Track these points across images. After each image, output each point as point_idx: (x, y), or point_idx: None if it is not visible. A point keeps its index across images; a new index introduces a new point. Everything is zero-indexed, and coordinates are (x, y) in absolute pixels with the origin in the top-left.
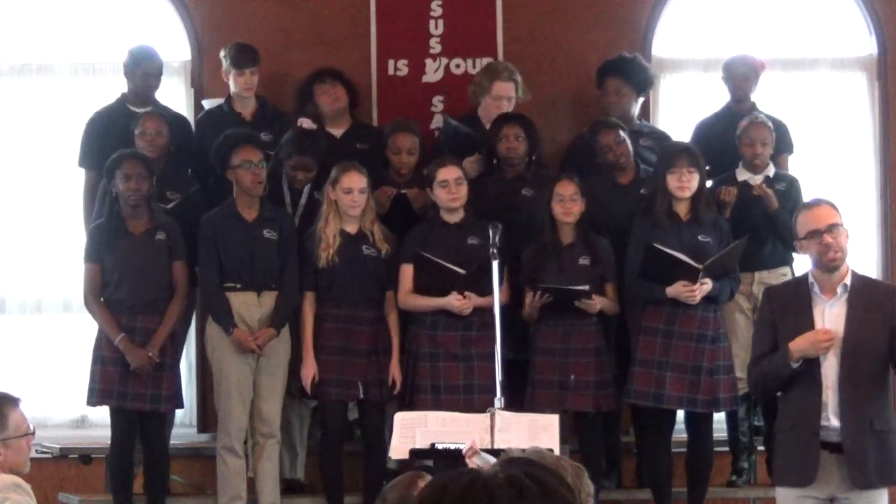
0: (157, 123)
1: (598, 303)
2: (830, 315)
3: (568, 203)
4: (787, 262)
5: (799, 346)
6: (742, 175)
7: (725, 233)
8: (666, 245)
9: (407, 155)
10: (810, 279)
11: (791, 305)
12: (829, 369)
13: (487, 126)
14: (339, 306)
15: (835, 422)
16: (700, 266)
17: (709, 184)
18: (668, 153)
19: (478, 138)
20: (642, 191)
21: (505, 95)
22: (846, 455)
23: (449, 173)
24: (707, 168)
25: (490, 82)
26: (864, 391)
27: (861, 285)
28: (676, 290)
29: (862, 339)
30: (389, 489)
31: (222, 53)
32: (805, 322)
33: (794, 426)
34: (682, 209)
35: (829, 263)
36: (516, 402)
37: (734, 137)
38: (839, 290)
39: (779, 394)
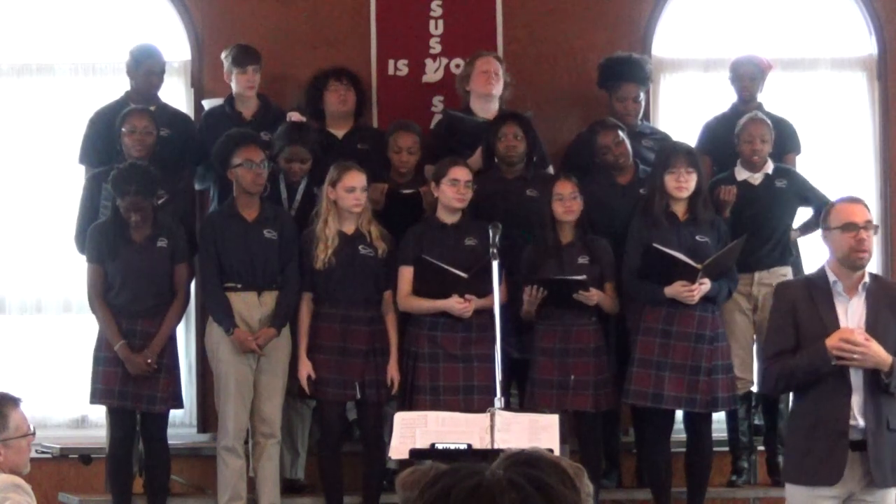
0: (147, 121)
1: (595, 295)
2: (853, 313)
3: (568, 201)
4: (786, 262)
5: (831, 344)
6: (741, 174)
7: (723, 233)
8: (664, 245)
9: (407, 154)
10: (831, 276)
11: (811, 301)
12: (855, 370)
13: (480, 115)
14: (336, 306)
15: (861, 422)
16: (699, 266)
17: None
18: (666, 153)
19: (479, 127)
20: (641, 191)
21: (491, 67)
22: (869, 455)
23: (461, 173)
24: (715, 168)
25: (473, 62)
26: (882, 390)
27: (874, 283)
28: (675, 290)
29: (880, 339)
30: (408, 473)
31: (223, 55)
32: (829, 320)
33: (819, 426)
34: (679, 209)
35: (857, 260)
36: (522, 402)
37: (736, 138)
38: (860, 288)
39: (790, 394)
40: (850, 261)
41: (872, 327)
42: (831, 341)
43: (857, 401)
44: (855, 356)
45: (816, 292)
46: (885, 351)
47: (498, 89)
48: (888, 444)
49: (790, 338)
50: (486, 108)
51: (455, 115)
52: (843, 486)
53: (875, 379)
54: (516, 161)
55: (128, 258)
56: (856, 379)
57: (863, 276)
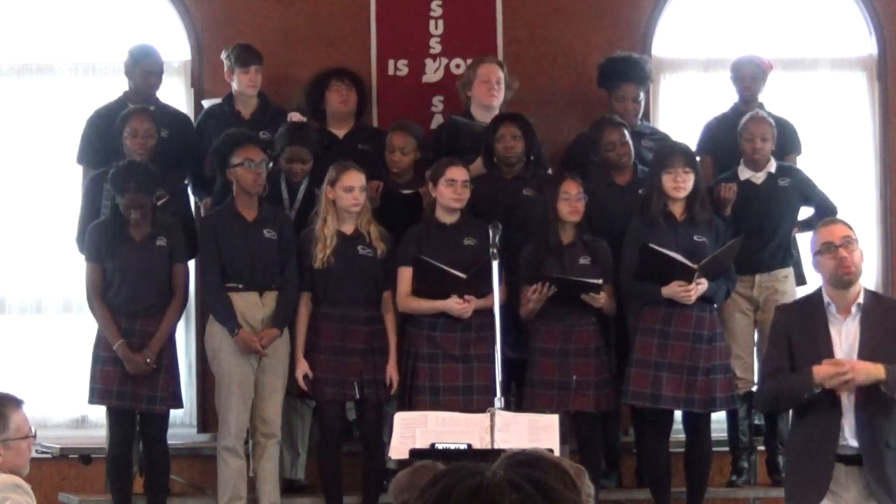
0: (149, 124)
1: (602, 297)
2: (847, 335)
3: (574, 202)
4: (788, 264)
5: (821, 373)
6: (744, 173)
7: (721, 233)
8: (661, 245)
9: (400, 154)
10: (825, 298)
11: (806, 323)
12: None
13: (480, 120)
14: (334, 306)
15: (853, 442)
16: (695, 266)
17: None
18: (664, 153)
19: (481, 133)
20: (640, 192)
21: (494, 77)
22: (866, 474)
23: (458, 173)
24: (717, 168)
25: (475, 69)
26: (880, 410)
27: (873, 303)
28: (672, 290)
29: (876, 359)
30: (402, 474)
31: (224, 54)
32: (822, 342)
33: (810, 445)
34: (677, 209)
35: (842, 277)
36: (519, 402)
37: (738, 136)
38: (853, 309)
39: (790, 412)
40: (837, 279)
41: (869, 347)
42: (820, 370)
43: (849, 423)
44: (846, 378)
45: (811, 314)
46: (876, 364)
47: (499, 100)
48: (889, 462)
49: (785, 358)
50: (487, 114)
51: (458, 120)
52: (840, 501)
53: (868, 399)
54: (515, 161)
55: (127, 257)
56: (847, 401)
57: (857, 295)
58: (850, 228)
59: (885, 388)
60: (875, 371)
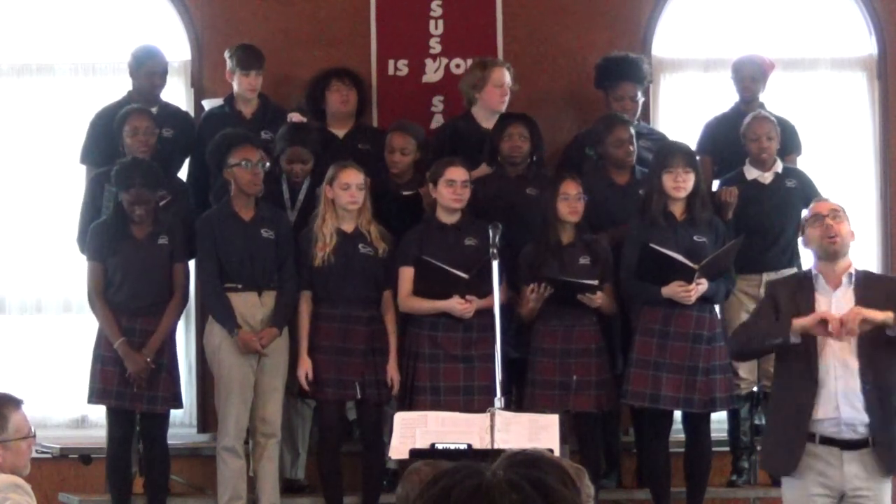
0: (148, 121)
1: (599, 298)
2: (838, 305)
3: (573, 202)
4: (794, 264)
5: (801, 321)
6: (751, 173)
7: (721, 233)
8: (661, 245)
9: (400, 154)
10: (814, 272)
11: (794, 294)
12: (844, 361)
13: (483, 124)
14: (335, 306)
15: (848, 413)
16: (696, 266)
17: (716, 183)
18: (664, 153)
19: (483, 136)
20: (640, 192)
21: (506, 81)
22: (875, 445)
23: (457, 174)
24: (716, 168)
25: (487, 72)
26: (885, 378)
27: (864, 278)
28: (672, 290)
29: (876, 327)
30: (408, 473)
31: (227, 53)
32: (806, 312)
33: (782, 416)
34: (677, 209)
35: (829, 246)
36: (519, 402)
37: (742, 137)
38: (844, 279)
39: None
40: (824, 249)
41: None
42: (798, 320)
43: (843, 393)
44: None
45: (801, 286)
46: (883, 339)
47: (506, 103)
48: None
49: (766, 316)
50: (491, 117)
51: (459, 124)
52: (832, 483)
53: (873, 365)
54: (519, 161)
55: (128, 255)
56: (847, 369)
57: (847, 268)
58: (841, 207)
59: (890, 331)
60: (882, 315)
